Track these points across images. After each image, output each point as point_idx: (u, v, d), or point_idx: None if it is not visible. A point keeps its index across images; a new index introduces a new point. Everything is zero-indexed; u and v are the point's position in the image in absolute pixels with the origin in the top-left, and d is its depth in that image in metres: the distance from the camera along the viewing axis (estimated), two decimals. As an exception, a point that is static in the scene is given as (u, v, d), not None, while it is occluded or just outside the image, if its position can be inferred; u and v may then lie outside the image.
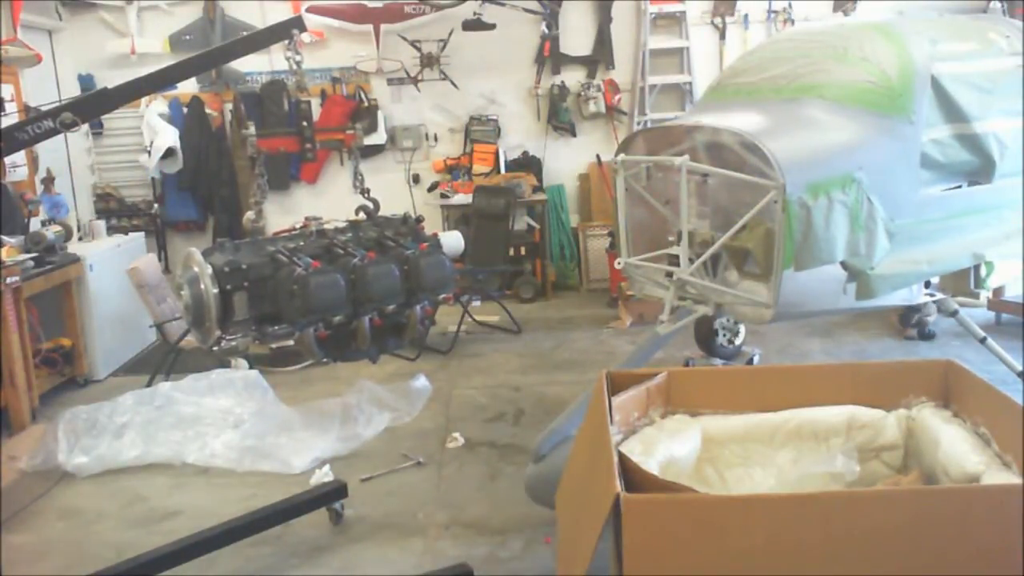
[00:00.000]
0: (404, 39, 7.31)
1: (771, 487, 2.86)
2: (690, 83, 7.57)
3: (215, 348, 2.80)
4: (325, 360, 3.00)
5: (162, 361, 5.53)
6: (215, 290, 2.68)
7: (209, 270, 2.69)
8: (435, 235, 3.17)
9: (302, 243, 2.95)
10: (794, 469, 2.89)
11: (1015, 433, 2.42)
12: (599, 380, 3.13)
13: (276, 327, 2.80)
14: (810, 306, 3.89)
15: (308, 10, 7.01)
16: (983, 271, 4.07)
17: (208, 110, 7.38)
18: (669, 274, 3.81)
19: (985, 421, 2.65)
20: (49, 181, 6.24)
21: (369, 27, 7.29)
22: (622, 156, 4.01)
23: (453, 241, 3.49)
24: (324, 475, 3.94)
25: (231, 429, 4.56)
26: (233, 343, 2.75)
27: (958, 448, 2.58)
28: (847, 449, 2.88)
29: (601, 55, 7.57)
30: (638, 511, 2.06)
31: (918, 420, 2.88)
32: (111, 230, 6.84)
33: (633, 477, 2.32)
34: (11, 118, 5.38)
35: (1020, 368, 4.20)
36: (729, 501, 2.33)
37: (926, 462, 2.77)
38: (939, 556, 2.07)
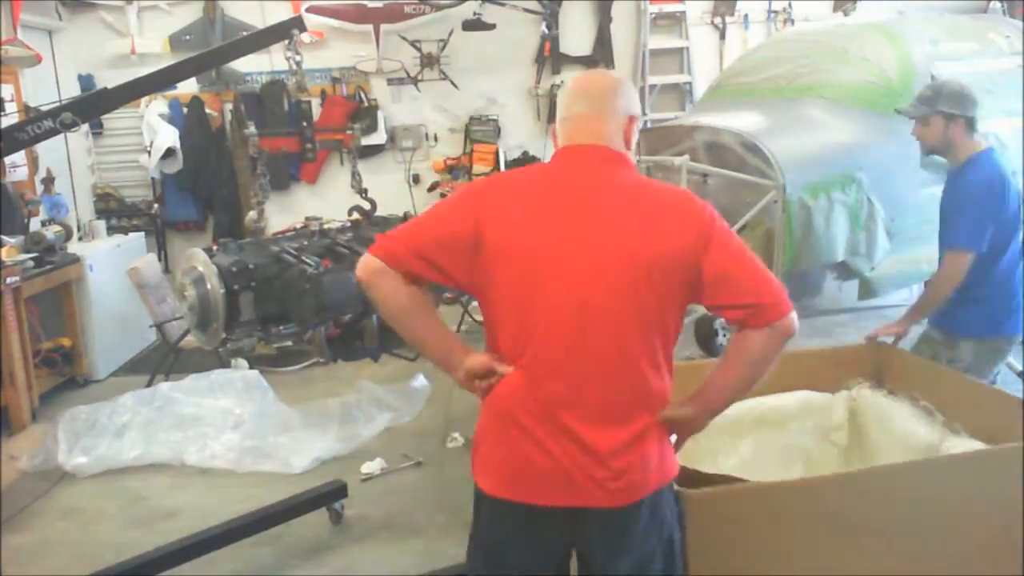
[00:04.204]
0: (404, 39, 7.30)
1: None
2: (690, 83, 7.57)
3: (221, 349, 2.79)
4: (335, 359, 3.00)
5: (162, 361, 5.52)
6: (222, 290, 2.66)
7: (215, 270, 2.68)
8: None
9: (305, 243, 2.95)
10: (756, 457, 3.00)
11: (956, 400, 2.65)
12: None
13: (283, 327, 2.80)
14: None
15: (308, 10, 7.00)
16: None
17: (208, 110, 7.36)
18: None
19: (923, 394, 2.80)
20: (49, 181, 6.23)
21: (369, 27, 7.27)
22: (622, 156, 4.01)
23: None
24: (377, 465, 4.15)
25: (231, 429, 4.56)
26: (240, 344, 2.75)
27: (909, 423, 2.75)
28: (804, 431, 3.03)
29: (601, 55, 7.56)
30: (699, 505, 2.15)
31: (859, 400, 3.02)
32: (111, 230, 6.83)
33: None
34: (11, 118, 5.37)
35: (1020, 368, 4.20)
36: (781, 488, 2.44)
37: (872, 438, 2.91)
38: (954, 517, 2.30)
